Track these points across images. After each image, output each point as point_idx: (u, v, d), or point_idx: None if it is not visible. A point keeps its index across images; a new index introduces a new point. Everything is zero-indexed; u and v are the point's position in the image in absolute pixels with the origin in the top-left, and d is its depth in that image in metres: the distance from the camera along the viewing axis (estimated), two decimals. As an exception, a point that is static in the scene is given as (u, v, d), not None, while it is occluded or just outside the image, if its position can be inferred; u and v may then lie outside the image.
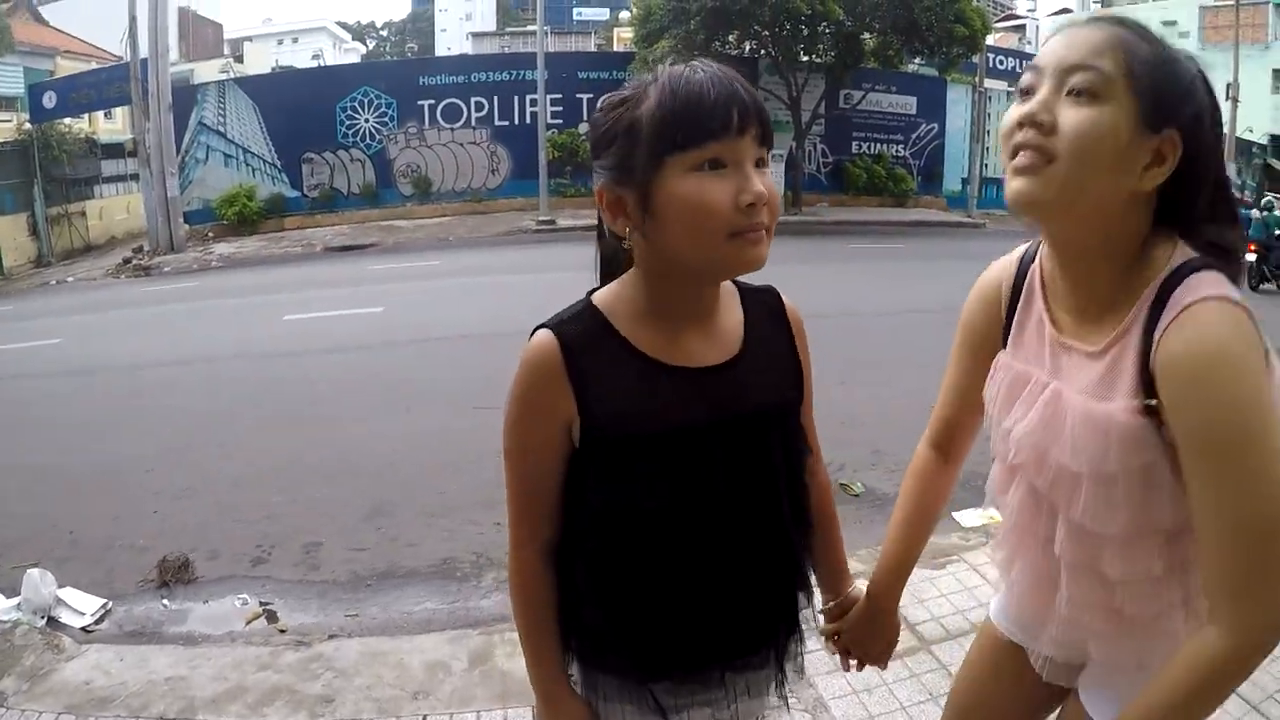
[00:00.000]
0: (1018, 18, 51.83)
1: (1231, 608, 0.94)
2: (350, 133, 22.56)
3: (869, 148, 24.96)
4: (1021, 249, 1.24)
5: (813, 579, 1.32)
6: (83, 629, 3.35)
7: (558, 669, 1.22)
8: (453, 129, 22.93)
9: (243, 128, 22.20)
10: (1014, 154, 1.02)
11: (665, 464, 1.09)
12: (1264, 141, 33.31)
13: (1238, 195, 27.06)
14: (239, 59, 40.33)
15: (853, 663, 1.41)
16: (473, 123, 22.99)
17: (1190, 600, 1.08)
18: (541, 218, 20.25)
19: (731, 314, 1.17)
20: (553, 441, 1.12)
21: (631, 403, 1.08)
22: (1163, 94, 0.98)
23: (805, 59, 21.94)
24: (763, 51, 22.24)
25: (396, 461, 5.20)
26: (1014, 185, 1.03)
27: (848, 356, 6.91)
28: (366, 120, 22.58)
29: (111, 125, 26.64)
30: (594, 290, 1.17)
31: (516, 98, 22.85)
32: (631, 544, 1.11)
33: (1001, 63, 26.73)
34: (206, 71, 30.74)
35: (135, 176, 22.53)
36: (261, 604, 3.63)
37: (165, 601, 3.67)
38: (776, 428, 1.17)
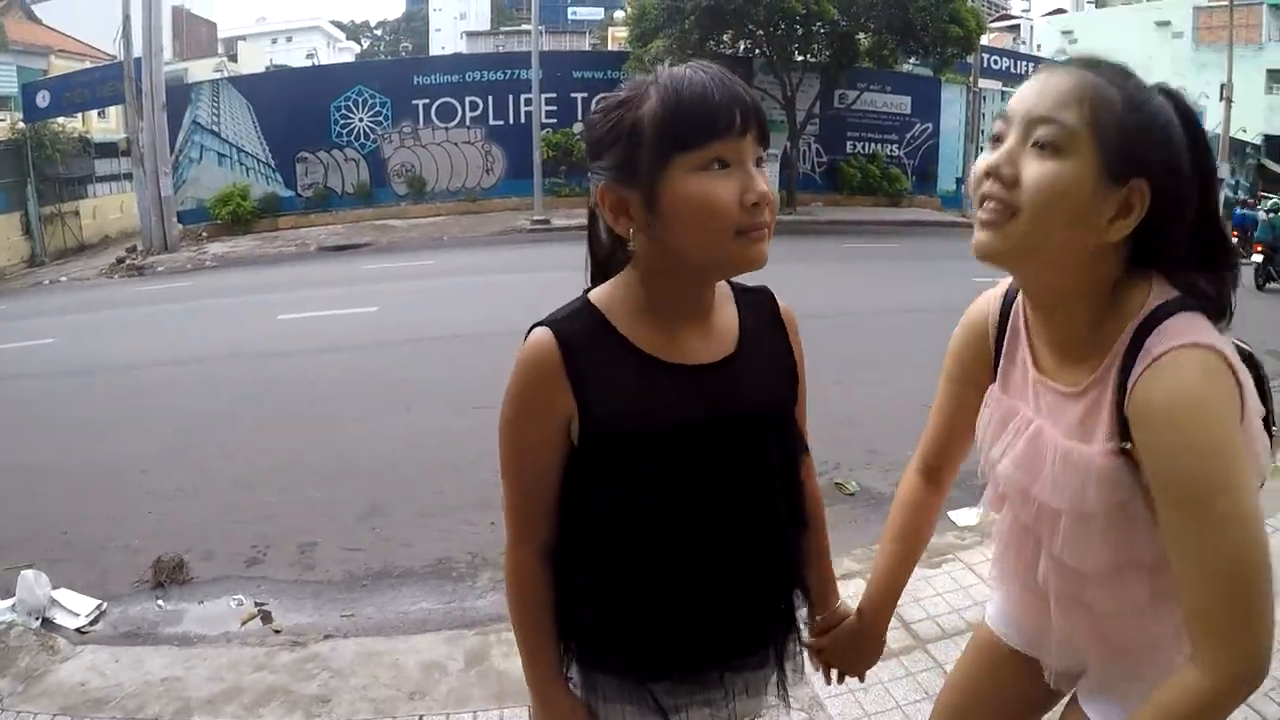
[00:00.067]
0: (1012, 18, 51.97)
1: (1210, 650, 0.95)
2: (344, 132, 22.54)
3: (863, 147, 25.00)
4: (1007, 281, 1.24)
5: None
6: (77, 630, 3.33)
7: (554, 669, 1.22)
8: (447, 128, 22.91)
9: (237, 127, 22.17)
10: (980, 203, 1.04)
11: (665, 462, 1.09)
12: (1258, 142, 33.45)
13: (1233, 196, 27.21)
14: (233, 58, 40.24)
15: (833, 673, 1.42)
16: (467, 122, 22.98)
17: (1181, 631, 1.08)
18: (536, 217, 20.25)
19: (727, 313, 1.18)
20: (551, 439, 1.12)
21: (631, 400, 1.08)
22: (1129, 145, 0.97)
23: (800, 58, 21.99)
24: (757, 51, 22.27)
25: (396, 461, 5.19)
26: (978, 237, 1.04)
27: (844, 356, 6.91)
28: (361, 119, 22.56)
29: (105, 124, 26.54)
30: (589, 289, 1.17)
31: (511, 97, 22.85)
32: (630, 543, 1.11)
33: (996, 63, 26.84)
34: (200, 70, 30.67)
35: (129, 176, 22.46)
36: (256, 604, 3.62)
37: (160, 602, 3.66)
38: (773, 427, 1.18)
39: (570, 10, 54.41)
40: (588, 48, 41.52)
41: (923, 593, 3.11)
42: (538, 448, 1.13)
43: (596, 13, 53.51)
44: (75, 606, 3.45)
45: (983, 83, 25.81)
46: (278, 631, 3.39)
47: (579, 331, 1.10)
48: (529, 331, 1.11)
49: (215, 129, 22.13)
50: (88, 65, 24.72)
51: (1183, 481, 0.95)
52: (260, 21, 62.95)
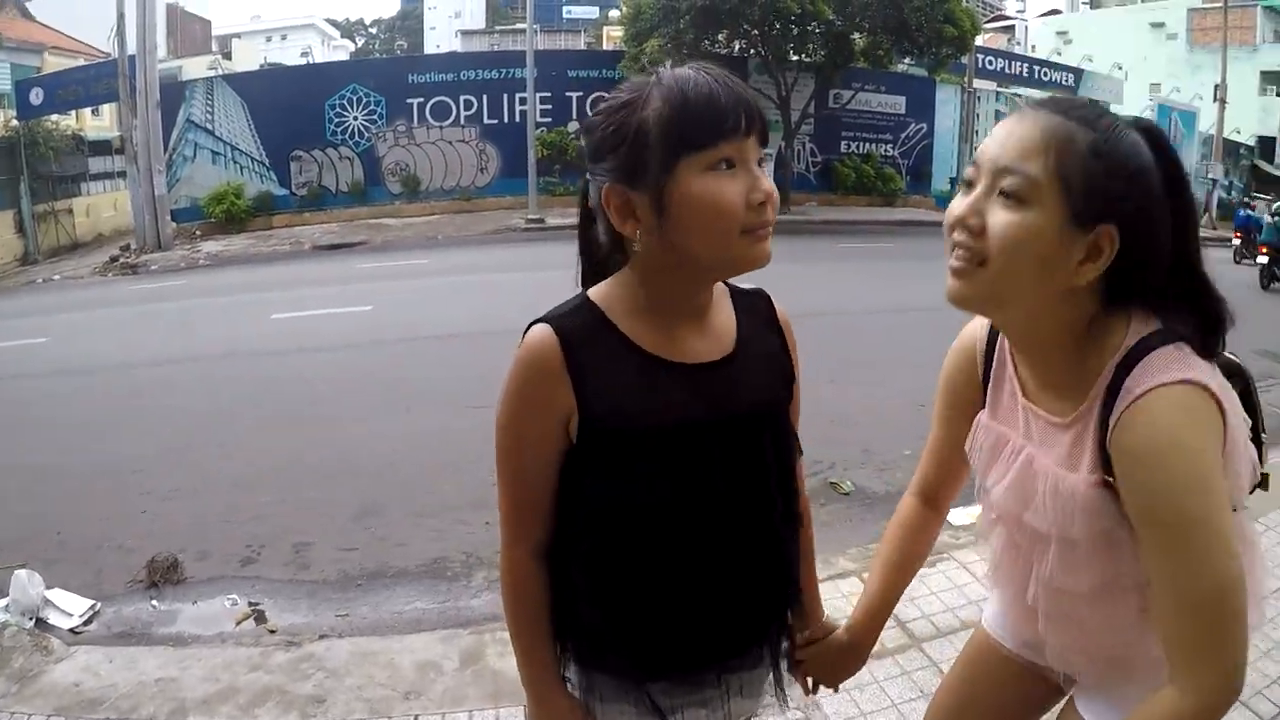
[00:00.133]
0: (1007, 18, 52.06)
1: (1187, 672, 0.97)
2: (339, 130, 22.46)
3: (858, 147, 25.03)
4: None
5: None
6: (71, 630, 3.32)
7: (549, 668, 1.22)
8: (441, 127, 22.85)
9: (231, 125, 22.07)
10: (951, 250, 1.05)
11: (665, 461, 1.09)
12: (1251, 143, 33.59)
13: (1227, 197, 27.29)
14: (227, 56, 40.12)
15: (809, 681, 1.42)
16: (462, 121, 22.93)
17: None
18: (530, 216, 20.21)
19: (724, 313, 1.18)
20: (549, 436, 1.11)
21: (631, 397, 1.09)
22: (1095, 191, 0.98)
23: (795, 58, 22.00)
24: (752, 51, 22.26)
25: (396, 461, 5.18)
26: (950, 284, 1.06)
27: (840, 355, 6.93)
28: (355, 118, 22.48)
29: (99, 122, 26.43)
30: (588, 287, 1.17)
31: (506, 96, 22.78)
32: (629, 542, 1.12)
33: (990, 63, 26.88)
34: (194, 68, 30.50)
35: (123, 174, 22.37)
36: (251, 604, 3.62)
37: (154, 602, 3.65)
38: (769, 427, 1.18)
39: (565, 9, 54.27)
40: (583, 47, 41.53)
41: (918, 591, 3.11)
42: (536, 444, 1.12)
43: (591, 12, 53.44)
44: (69, 607, 3.44)
45: (977, 83, 25.86)
46: (272, 631, 3.38)
47: (579, 328, 1.10)
48: (528, 328, 1.11)
49: (209, 127, 22.03)
50: (82, 62, 24.60)
51: (1162, 516, 0.97)
52: (255, 19, 62.70)
